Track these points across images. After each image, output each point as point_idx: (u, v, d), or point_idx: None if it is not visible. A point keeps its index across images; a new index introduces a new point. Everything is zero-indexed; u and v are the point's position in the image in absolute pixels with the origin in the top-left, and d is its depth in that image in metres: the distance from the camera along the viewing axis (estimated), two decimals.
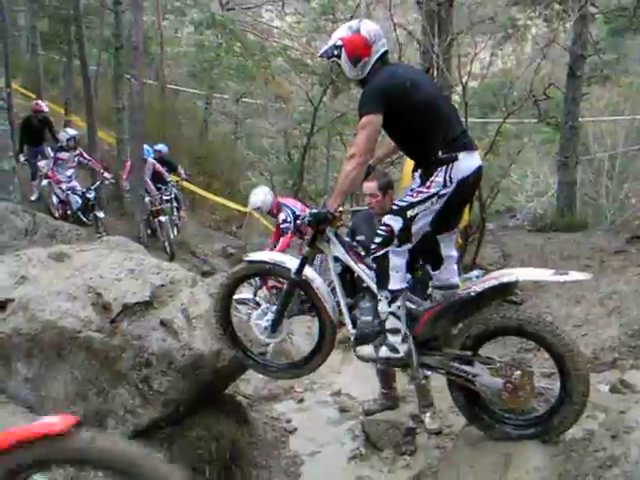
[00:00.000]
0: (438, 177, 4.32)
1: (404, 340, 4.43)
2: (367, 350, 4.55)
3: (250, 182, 30.06)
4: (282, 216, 10.77)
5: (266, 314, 4.79)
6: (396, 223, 4.37)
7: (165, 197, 16.39)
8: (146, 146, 14.62)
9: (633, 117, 29.57)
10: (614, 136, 30.24)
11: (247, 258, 4.84)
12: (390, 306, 4.39)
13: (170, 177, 16.28)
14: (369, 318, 4.64)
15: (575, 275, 4.30)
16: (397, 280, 4.39)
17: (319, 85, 23.09)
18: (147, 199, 14.98)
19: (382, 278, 4.43)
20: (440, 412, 6.27)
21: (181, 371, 4.74)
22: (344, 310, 4.69)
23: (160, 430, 4.84)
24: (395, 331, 4.42)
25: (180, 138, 24.62)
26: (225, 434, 5.17)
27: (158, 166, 15.42)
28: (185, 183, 18.63)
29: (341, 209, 4.63)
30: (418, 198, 4.35)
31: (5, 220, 8.62)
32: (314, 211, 4.49)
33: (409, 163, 6.56)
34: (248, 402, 6.27)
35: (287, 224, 10.67)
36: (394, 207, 4.50)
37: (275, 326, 4.77)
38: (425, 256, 5.26)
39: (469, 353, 4.40)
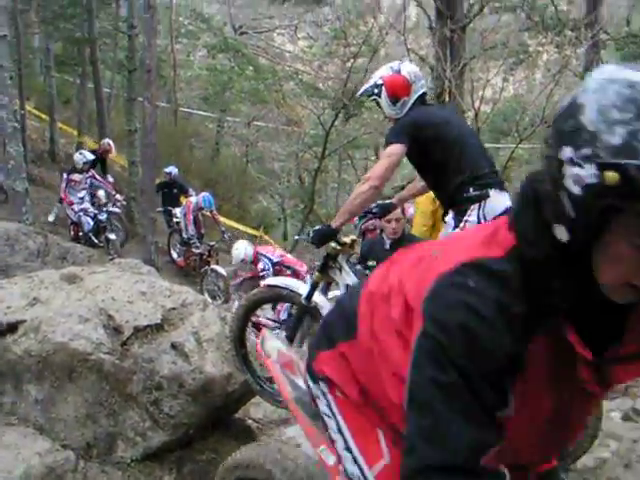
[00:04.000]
0: (472, 216, 4.34)
1: None
2: None
3: (261, 205, 30.16)
4: (261, 266, 11.85)
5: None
6: None
7: (176, 219, 16.54)
8: (209, 196, 14.93)
9: None
10: None
11: (266, 282, 4.87)
12: None
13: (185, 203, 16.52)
14: None
15: None
16: None
17: (331, 109, 23.17)
18: (185, 235, 15.38)
19: None
20: None
21: (192, 394, 4.73)
22: None
23: (170, 453, 4.83)
24: None
25: (192, 161, 24.76)
26: None
27: (200, 219, 15.68)
28: None
29: (354, 238, 4.63)
30: None
31: (17, 241, 8.68)
32: (316, 227, 4.51)
33: (422, 198, 6.61)
34: (257, 426, 6.23)
35: (266, 271, 11.66)
36: None
37: None
38: None
39: None
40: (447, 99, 12.06)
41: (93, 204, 14.19)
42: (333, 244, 4.44)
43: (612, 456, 3.99)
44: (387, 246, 5.79)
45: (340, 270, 4.58)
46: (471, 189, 4.39)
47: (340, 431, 2.23)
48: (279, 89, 26.45)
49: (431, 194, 6.53)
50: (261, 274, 11.67)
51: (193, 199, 15.16)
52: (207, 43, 28.65)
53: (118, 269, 6.11)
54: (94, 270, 5.65)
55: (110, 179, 16.06)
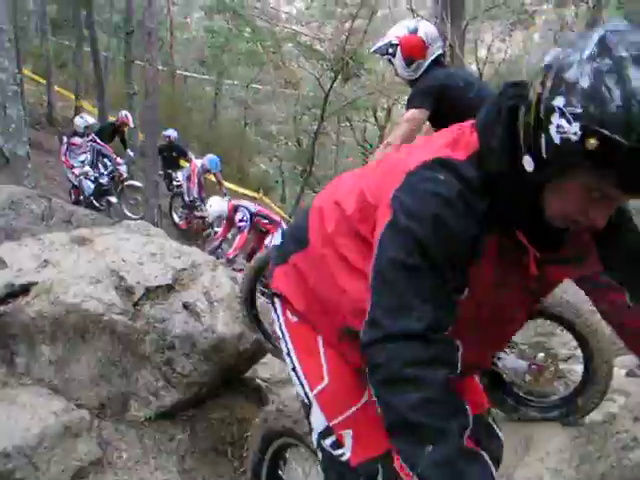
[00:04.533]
0: None
1: None
2: None
3: (259, 168, 30.11)
4: (239, 215, 12.02)
5: None
6: None
7: (176, 183, 16.54)
8: (216, 158, 14.75)
9: None
10: None
11: (274, 244, 4.88)
12: None
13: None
14: None
15: None
16: None
17: (330, 71, 23.04)
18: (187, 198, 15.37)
19: None
20: None
21: (204, 354, 4.77)
22: None
23: (183, 412, 4.88)
24: None
25: (190, 124, 24.66)
26: (247, 416, 5.19)
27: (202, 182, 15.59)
28: None
29: None
30: None
31: (21, 205, 8.67)
32: None
33: None
34: (266, 385, 6.30)
35: (244, 222, 11.86)
36: None
37: None
38: None
39: None
40: (449, 60, 11.99)
41: (95, 167, 14.17)
42: None
43: (621, 410, 4.03)
44: None
45: None
46: None
47: (289, 353, 2.35)
48: (277, 51, 26.29)
49: None
50: (239, 225, 11.73)
51: (198, 162, 15.04)
52: (204, 4, 28.39)
53: (126, 231, 6.13)
54: (103, 232, 5.67)
55: (131, 153, 15.99)
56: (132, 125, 16.06)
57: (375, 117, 28.34)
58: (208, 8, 27.20)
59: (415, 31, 4.67)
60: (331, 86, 22.71)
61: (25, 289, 4.88)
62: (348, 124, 28.63)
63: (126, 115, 16.26)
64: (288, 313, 2.34)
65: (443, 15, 12.33)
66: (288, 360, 2.36)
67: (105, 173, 14.03)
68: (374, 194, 1.94)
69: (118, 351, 4.73)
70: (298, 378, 2.31)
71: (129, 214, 13.90)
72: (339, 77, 22.92)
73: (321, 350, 2.25)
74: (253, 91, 30.94)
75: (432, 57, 4.69)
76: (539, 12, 26.30)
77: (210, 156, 14.79)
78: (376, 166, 2.17)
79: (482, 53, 13.45)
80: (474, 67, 15.31)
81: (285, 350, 2.38)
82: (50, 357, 4.76)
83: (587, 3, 13.13)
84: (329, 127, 27.98)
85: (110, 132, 15.53)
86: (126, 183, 14.57)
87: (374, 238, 1.82)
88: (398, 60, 4.69)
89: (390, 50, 4.71)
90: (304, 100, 27.44)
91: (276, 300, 2.38)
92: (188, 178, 14.91)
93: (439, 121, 4.65)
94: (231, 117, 32.44)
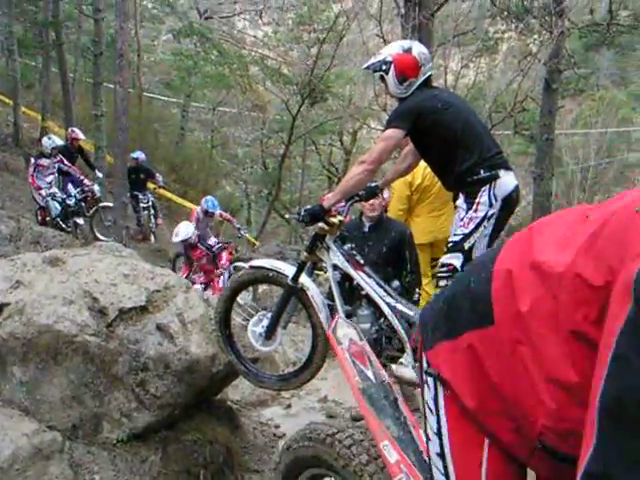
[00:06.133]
0: (483, 197, 4.40)
1: None
2: (408, 373, 4.49)
3: (224, 190, 30.10)
4: (213, 240, 12.67)
5: (262, 320, 4.80)
6: (457, 260, 4.43)
7: (142, 205, 16.46)
8: (212, 198, 14.19)
9: (605, 130, 30.05)
10: (586, 149, 30.75)
11: (251, 264, 4.88)
12: None
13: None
14: (367, 325, 4.69)
15: None
16: None
17: (298, 95, 23.17)
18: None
19: None
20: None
21: (177, 375, 4.78)
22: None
23: (155, 434, 4.88)
24: None
25: (156, 146, 24.62)
26: (219, 438, 5.21)
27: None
28: (162, 191, 18.70)
29: (341, 219, 4.65)
30: (470, 227, 4.41)
31: None
32: (307, 207, 4.53)
33: (398, 182, 6.67)
34: (237, 407, 6.31)
35: (220, 245, 12.54)
36: (449, 245, 4.55)
37: (270, 333, 4.77)
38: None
39: None
40: None
41: (63, 188, 14.06)
42: (321, 224, 4.47)
43: None
44: (366, 229, 5.83)
45: (328, 250, 4.61)
46: (481, 171, 4.46)
47: (439, 433, 1.88)
48: (244, 74, 26.38)
49: (407, 178, 6.62)
50: (218, 245, 12.44)
51: (198, 207, 14.25)
52: (172, 28, 28.46)
53: (99, 252, 6.12)
54: (76, 253, 5.66)
55: (99, 174, 15.69)
56: (82, 137, 15.81)
57: (341, 141, 28.53)
58: (176, 32, 27.30)
59: (409, 50, 4.81)
60: (298, 110, 22.84)
61: None
62: (314, 148, 28.77)
63: (72, 130, 16.08)
64: (451, 400, 1.82)
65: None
66: (435, 439, 1.89)
67: (72, 194, 13.96)
68: (593, 272, 1.35)
69: (91, 372, 4.73)
70: (444, 466, 1.87)
71: (100, 236, 13.74)
72: (306, 101, 23.04)
73: (485, 455, 1.75)
74: (220, 114, 31.00)
75: (423, 77, 4.80)
76: (503, 40, 26.73)
77: (206, 197, 14.25)
78: (582, 226, 1.51)
79: (449, 79, 13.66)
80: None
81: (434, 428, 1.89)
82: (21, 378, 4.74)
83: (550, 32, 13.37)
84: (295, 150, 28.08)
85: (69, 153, 15.32)
86: (101, 204, 14.40)
87: (602, 340, 1.27)
88: (391, 77, 4.80)
89: (384, 67, 4.82)
90: (271, 123, 27.54)
91: (431, 380, 1.87)
92: (196, 224, 13.62)
93: (420, 141, 4.77)
94: (198, 139, 32.49)
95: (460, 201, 4.60)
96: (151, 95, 30.98)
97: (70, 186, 14.32)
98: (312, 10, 24.53)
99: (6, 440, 4.34)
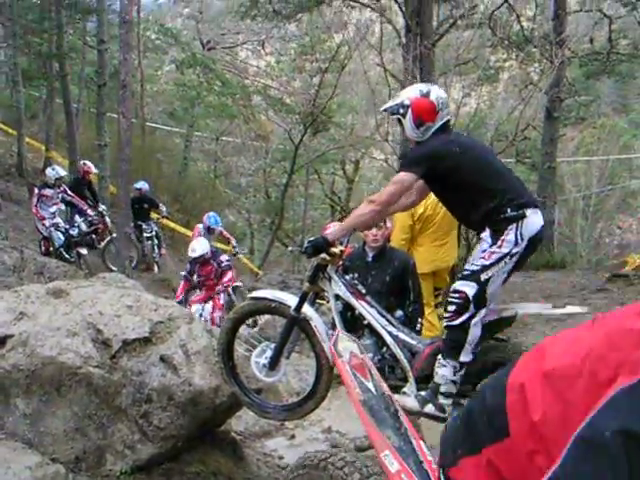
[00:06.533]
0: (509, 235, 4.32)
1: (453, 402, 4.44)
2: (410, 403, 4.48)
3: (229, 220, 30.15)
4: (225, 257, 12.08)
5: (265, 351, 4.81)
6: (470, 289, 4.36)
7: (146, 235, 16.48)
8: (214, 215, 14.07)
9: (606, 158, 30.15)
10: (588, 176, 30.81)
11: (252, 295, 4.89)
12: (455, 375, 4.40)
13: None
14: (370, 355, 4.68)
15: (572, 308, 4.41)
16: (469, 352, 4.38)
17: (300, 124, 23.29)
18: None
19: (455, 348, 4.41)
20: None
21: (181, 407, 4.77)
22: None
23: (158, 466, 4.86)
24: (449, 395, 4.43)
25: (160, 175, 24.71)
26: (222, 470, 5.18)
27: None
28: (165, 220, 18.71)
29: (342, 249, 4.66)
30: (491, 260, 4.35)
31: None
32: (311, 239, 4.55)
33: (400, 215, 6.69)
34: (240, 438, 6.28)
35: (229, 262, 11.99)
36: (466, 272, 4.50)
37: (273, 364, 4.77)
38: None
39: (470, 388, 4.46)
40: None
41: (70, 219, 14.10)
42: (323, 255, 4.49)
43: None
44: (369, 258, 5.82)
45: (330, 281, 4.62)
46: (508, 209, 4.36)
47: None
48: (247, 104, 26.54)
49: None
50: (227, 263, 11.98)
51: (199, 225, 14.19)
52: (175, 58, 28.66)
53: (103, 283, 6.14)
54: (80, 284, 5.67)
55: (102, 207, 15.64)
56: (95, 171, 15.86)
57: (343, 170, 28.65)
58: (179, 62, 27.49)
59: (427, 95, 4.71)
60: (301, 139, 22.96)
61: (1, 341, 4.86)
62: (316, 177, 28.87)
63: (84, 163, 16.11)
64: None
65: (413, 70, 12.57)
66: None
67: (76, 224, 14.00)
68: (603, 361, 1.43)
69: (94, 404, 4.72)
70: None
71: (112, 267, 13.74)
72: (309, 130, 23.15)
73: None
74: (223, 144, 31.16)
75: (441, 122, 4.74)
76: (504, 68, 26.90)
77: (209, 213, 14.13)
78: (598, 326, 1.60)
79: (451, 107, 13.74)
80: None
81: None
82: (25, 410, 4.73)
83: (551, 62, 13.48)
84: (297, 179, 28.17)
85: (80, 185, 15.37)
86: (113, 236, 14.36)
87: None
88: (408, 121, 4.71)
89: (401, 110, 4.73)
90: (274, 153, 27.67)
91: None
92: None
93: (438, 185, 4.72)
94: (201, 169, 32.59)
95: (485, 234, 4.49)
96: (154, 125, 31.15)
97: (77, 217, 14.35)
98: (314, 40, 24.71)
99: (9, 473, 4.32)
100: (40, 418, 4.72)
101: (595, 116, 29.18)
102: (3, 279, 8.19)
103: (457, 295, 4.42)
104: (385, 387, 3.72)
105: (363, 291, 4.67)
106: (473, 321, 4.33)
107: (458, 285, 4.48)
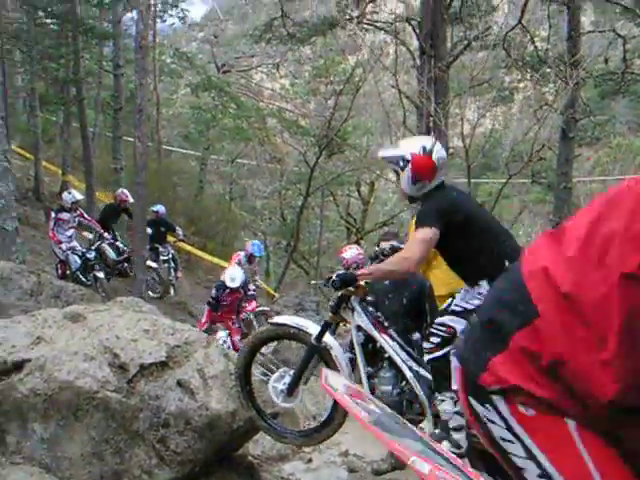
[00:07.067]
0: None
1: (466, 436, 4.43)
2: None
3: (244, 242, 30.21)
4: (252, 286, 12.69)
5: (283, 377, 4.82)
6: (459, 325, 4.38)
7: (162, 258, 16.50)
8: (259, 243, 14.13)
9: (623, 177, 30.10)
10: None
11: (272, 321, 4.91)
12: (456, 405, 4.39)
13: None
14: (389, 388, 4.69)
15: None
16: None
17: (315, 147, 23.36)
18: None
19: (441, 380, 4.44)
20: None
21: (198, 431, 4.76)
22: (363, 378, 4.73)
23: None
24: (460, 428, 4.42)
25: (175, 198, 24.79)
26: None
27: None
28: (181, 243, 18.75)
29: (368, 281, 4.68)
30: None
31: (11, 280, 8.69)
32: (341, 272, 4.58)
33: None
34: (257, 462, 6.26)
35: (254, 291, 12.69)
36: (457, 309, 4.51)
37: (291, 390, 4.79)
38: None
39: None
40: (434, 136, 12.23)
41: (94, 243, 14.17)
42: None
43: None
44: (387, 282, 5.81)
45: (353, 311, 4.64)
46: (506, 262, 4.37)
47: (531, 455, 1.77)
48: (262, 127, 26.64)
49: None
50: (252, 293, 12.64)
51: (241, 252, 14.07)
52: (191, 82, 28.83)
53: (120, 307, 6.15)
54: (97, 308, 5.69)
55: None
56: (131, 200, 15.87)
57: (359, 192, 28.65)
58: (195, 86, 27.65)
59: (430, 153, 4.71)
60: (316, 161, 23.01)
61: (18, 366, 4.87)
62: (332, 199, 28.88)
63: (122, 192, 16.14)
64: (520, 408, 1.74)
65: (428, 92, 12.60)
66: (529, 464, 1.77)
67: (92, 248, 14.02)
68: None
69: (111, 429, 4.71)
70: None
71: (151, 294, 14.07)
72: (324, 152, 23.21)
73: (577, 441, 1.69)
74: (238, 166, 31.26)
75: (437, 182, 4.76)
76: (519, 89, 26.93)
77: (253, 241, 14.05)
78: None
79: (465, 128, 13.75)
80: (459, 143, 15.62)
81: (522, 455, 1.78)
82: (42, 435, 4.73)
83: (566, 82, 13.48)
84: (313, 202, 28.21)
85: (116, 213, 15.44)
86: (147, 264, 14.43)
87: None
88: (406, 176, 4.70)
89: (401, 163, 4.71)
90: (289, 175, 27.73)
91: (496, 398, 1.78)
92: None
93: (447, 244, 4.70)
94: (216, 192, 32.68)
95: (483, 282, 4.50)
96: (170, 148, 31.33)
97: (105, 245, 14.31)
98: (328, 63, 24.82)
99: None
100: (57, 443, 4.71)
101: (610, 136, 29.15)
102: (21, 303, 8.21)
103: (444, 329, 4.44)
104: (386, 407, 3.75)
105: (386, 324, 4.69)
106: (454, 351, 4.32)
107: (447, 320, 4.49)
